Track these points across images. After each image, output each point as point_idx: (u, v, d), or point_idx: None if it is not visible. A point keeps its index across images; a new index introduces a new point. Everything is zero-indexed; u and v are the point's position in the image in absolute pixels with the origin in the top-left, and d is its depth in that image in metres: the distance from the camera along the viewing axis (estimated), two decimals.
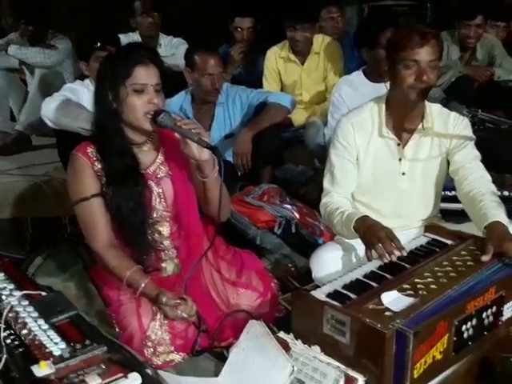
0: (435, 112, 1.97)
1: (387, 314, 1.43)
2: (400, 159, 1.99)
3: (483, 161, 1.99)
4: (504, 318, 1.63)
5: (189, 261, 1.91)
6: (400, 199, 2.01)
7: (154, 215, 1.87)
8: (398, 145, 1.98)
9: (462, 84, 3.43)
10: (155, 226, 1.88)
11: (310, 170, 3.22)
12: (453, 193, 2.39)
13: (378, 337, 1.35)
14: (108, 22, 4.23)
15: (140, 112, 1.74)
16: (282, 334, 1.55)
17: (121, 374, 1.34)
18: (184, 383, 1.65)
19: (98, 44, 2.52)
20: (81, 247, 2.13)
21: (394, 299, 1.48)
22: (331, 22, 3.71)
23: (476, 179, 1.91)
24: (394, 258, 1.70)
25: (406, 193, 2.00)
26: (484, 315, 1.55)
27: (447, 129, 1.98)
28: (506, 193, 2.49)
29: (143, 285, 1.73)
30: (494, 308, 1.57)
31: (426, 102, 1.97)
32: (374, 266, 1.72)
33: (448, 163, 2.02)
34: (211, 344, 1.81)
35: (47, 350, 1.44)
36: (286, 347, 1.51)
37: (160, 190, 1.87)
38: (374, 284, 1.61)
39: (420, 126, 1.96)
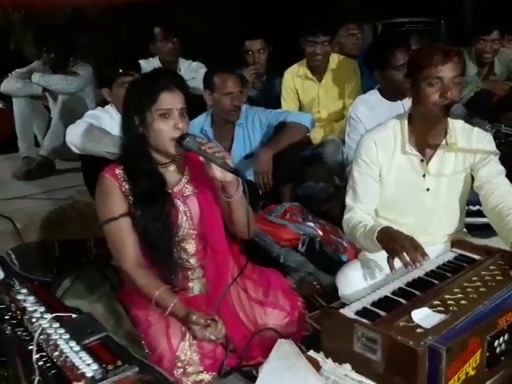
0: (458, 128, 1.98)
1: (418, 330, 1.42)
2: (424, 175, 1.99)
3: (508, 175, 1.98)
4: None
5: (215, 280, 1.93)
6: (425, 215, 2.01)
7: (180, 233, 1.89)
8: (422, 161, 1.98)
9: (481, 99, 3.42)
10: (181, 243, 1.90)
11: (330, 187, 3.23)
12: (477, 207, 2.38)
13: (411, 354, 1.34)
14: (128, 48, 4.32)
15: (166, 137, 1.78)
16: (312, 353, 1.55)
17: None
18: None
19: (120, 70, 2.57)
20: (107, 269, 2.15)
21: (424, 316, 1.47)
22: (351, 38, 3.76)
23: (502, 194, 1.90)
24: (419, 266, 1.69)
25: (431, 209, 2.00)
26: None
27: (471, 144, 1.98)
28: None
29: (172, 304, 1.74)
30: None
31: (449, 118, 1.98)
32: (402, 282, 1.71)
33: (472, 178, 2.02)
34: (239, 363, 1.81)
35: (79, 372, 1.45)
36: (316, 366, 1.50)
37: (186, 209, 1.90)
38: (403, 301, 1.60)
39: (444, 142, 1.97)
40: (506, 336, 1.50)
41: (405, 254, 1.70)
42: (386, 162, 1.99)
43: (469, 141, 1.98)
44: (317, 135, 3.44)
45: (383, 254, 2.05)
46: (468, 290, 1.62)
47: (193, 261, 1.93)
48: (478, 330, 1.43)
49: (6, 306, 1.79)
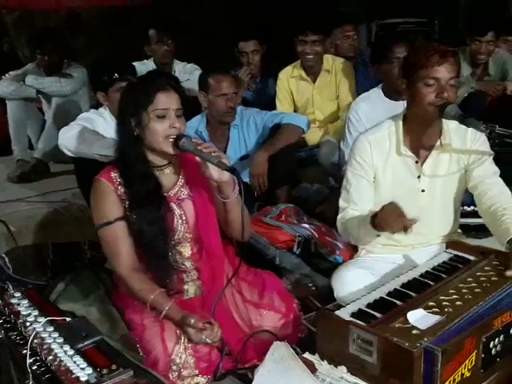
0: (452, 128, 1.98)
1: (414, 332, 1.41)
2: (419, 176, 1.99)
3: (502, 176, 1.99)
4: None
5: (211, 283, 1.92)
6: (420, 216, 2.00)
7: (176, 237, 1.88)
8: (417, 162, 1.98)
9: (475, 100, 3.42)
10: (176, 247, 1.89)
11: (325, 189, 3.22)
12: (471, 208, 2.40)
13: (407, 355, 1.33)
14: (123, 50, 4.31)
15: (161, 136, 1.77)
16: (307, 355, 1.54)
17: None
18: None
19: (116, 75, 2.55)
20: (102, 272, 2.14)
21: (420, 317, 1.47)
22: (347, 40, 3.75)
23: (496, 194, 1.91)
24: (414, 223, 1.71)
25: (426, 209, 1.99)
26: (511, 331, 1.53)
27: (465, 145, 1.98)
28: None
29: (167, 308, 1.74)
30: None
31: (443, 119, 1.98)
32: (397, 284, 1.71)
33: (467, 179, 2.02)
34: (235, 366, 1.81)
35: (74, 376, 1.45)
36: (311, 368, 1.50)
37: (182, 212, 1.89)
38: (399, 302, 1.60)
39: (438, 143, 1.97)
40: (502, 337, 1.50)
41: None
42: (380, 164, 1.98)
43: (463, 141, 1.98)
44: (312, 136, 3.44)
45: (379, 256, 2.07)
46: (463, 291, 1.61)
47: (188, 264, 1.93)
48: (473, 332, 1.42)
49: (0, 310, 1.78)
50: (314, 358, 1.53)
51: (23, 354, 1.56)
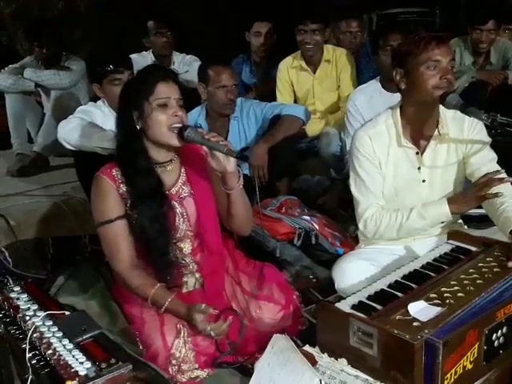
0: (449, 117, 1.98)
1: (415, 324, 1.40)
2: (419, 167, 1.98)
3: (504, 165, 1.97)
4: None
5: (211, 277, 1.92)
6: None
7: (177, 234, 1.87)
8: (417, 153, 1.97)
9: (476, 89, 3.40)
10: (177, 243, 1.88)
11: (326, 180, 3.21)
12: None
13: (407, 348, 1.32)
14: (120, 42, 4.29)
15: (165, 125, 1.76)
16: (307, 348, 1.53)
17: None
18: None
19: (111, 67, 2.54)
20: (102, 266, 2.13)
21: (421, 309, 1.45)
22: (349, 36, 3.70)
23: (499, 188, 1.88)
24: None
25: (427, 200, 1.98)
26: None
27: (463, 133, 1.98)
28: None
29: (169, 300, 1.73)
30: None
31: (441, 108, 1.97)
32: (398, 275, 1.70)
33: (465, 167, 2.00)
34: (235, 359, 1.80)
35: (73, 370, 1.44)
36: (312, 361, 1.49)
37: (183, 210, 1.88)
38: (400, 294, 1.58)
39: (436, 133, 1.96)
40: (505, 329, 1.48)
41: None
42: (382, 157, 1.98)
43: (461, 130, 1.98)
44: (312, 127, 3.41)
45: (380, 247, 2.05)
46: (465, 282, 1.60)
47: (188, 259, 1.92)
48: (475, 323, 1.41)
49: None
50: (314, 351, 1.52)
51: (22, 348, 1.55)
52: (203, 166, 1.89)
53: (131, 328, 1.82)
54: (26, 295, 1.82)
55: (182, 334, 1.74)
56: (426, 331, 1.36)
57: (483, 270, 1.66)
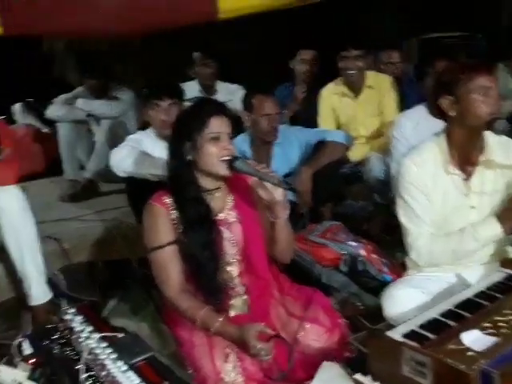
0: (495, 142, 1.96)
1: (469, 353, 1.37)
2: (467, 194, 1.96)
3: None
4: None
5: (258, 302, 1.93)
6: None
7: (225, 259, 1.91)
8: (464, 179, 1.96)
9: None
10: (225, 267, 1.91)
11: (370, 205, 3.19)
12: None
13: (462, 378, 1.30)
14: (167, 73, 4.42)
15: (216, 158, 1.83)
16: (358, 376, 1.52)
17: None
18: None
19: (153, 93, 2.65)
20: (152, 289, 2.17)
21: (475, 338, 1.43)
22: (391, 66, 3.74)
23: None
24: None
25: None
26: None
27: (509, 157, 1.96)
28: None
29: (219, 320, 1.76)
30: None
31: (488, 133, 1.96)
32: (450, 304, 1.67)
33: None
34: None
35: None
36: None
37: (231, 236, 1.92)
38: (452, 323, 1.56)
39: (483, 158, 1.95)
40: None
41: None
42: (430, 184, 1.97)
43: (507, 154, 1.96)
44: (355, 153, 3.41)
45: (430, 275, 2.02)
46: None
47: (236, 281, 1.95)
48: None
49: (55, 325, 1.83)
50: (366, 380, 1.50)
51: (77, 369, 1.59)
52: (249, 193, 1.94)
53: (181, 351, 1.85)
54: (80, 317, 1.87)
55: (231, 359, 1.75)
56: (482, 361, 1.33)
57: None
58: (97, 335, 1.73)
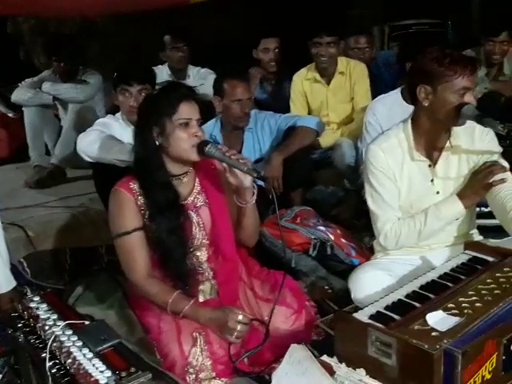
0: (461, 128, 1.98)
1: (433, 334, 1.40)
2: (432, 180, 1.99)
3: None
4: None
5: (226, 285, 1.94)
6: None
7: (194, 243, 1.90)
8: (429, 166, 1.98)
9: (490, 100, 3.39)
10: (193, 252, 1.91)
11: (340, 191, 3.22)
12: (489, 209, 2.37)
13: (426, 358, 1.32)
14: (136, 56, 4.35)
15: (186, 144, 1.82)
16: (325, 358, 1.53)
17: None
18: None
19: (123, 77, 2.58)
20: (119, 276, 2.15)
21: (439, 319, 1.45)
22: (358, 52, 3.74)
23: (504, 188, 1.89)
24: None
25: None
26: None
27: (473, 143, 1.99)
28: None
29: (191, 303, 1.77)
30: None
31: None
32: (415, 285, 1.70)
33: None
34: (252, 368, 1.81)
35: (93, 379, 1.45)
36: (330, 371, 1.49)
37: (199, 219, 1.92)
38: (417, 304, 1.58)
39: (448, 144, 1.97)
40: None
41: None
42: (396, 170, 1.99)
43: (471, 140, 1.99)
44: (326, 139, 3.42)
45: (396, 257, 2.06)
46: (483, 292, 1.59)
47: (205, 266, 1.95)
48: (493, 333, 1.40)
49: (19, 313, 1.80)
50: (332, 361, 1.52)
51: (42, 357, 1.56)
52: (217, 176, 1.93)
53: (149, 337, 1.83)
54: (45, 305, 1.84)
55: (199, 343, 1.76)
56: (445, 341, 1.36)
57: (501, 280, 1.65)
58: (62, 323, 1.71)
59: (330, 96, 3.51)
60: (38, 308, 1.81)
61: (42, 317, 1.75)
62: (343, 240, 2.47)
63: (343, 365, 1.50)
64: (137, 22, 4.28)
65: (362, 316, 1.53)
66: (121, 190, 1.85)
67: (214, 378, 1.74)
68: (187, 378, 1.71)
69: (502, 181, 1.87)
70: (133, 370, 1.47)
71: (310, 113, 3.54)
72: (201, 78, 3.85)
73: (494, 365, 1.41)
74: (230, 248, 1.95)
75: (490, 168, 1.90)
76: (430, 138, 1.97)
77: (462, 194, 1.95)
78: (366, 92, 3.45)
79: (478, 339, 1.37)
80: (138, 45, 4.62)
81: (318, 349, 1.80)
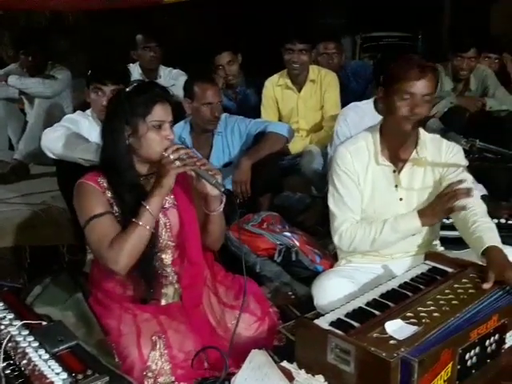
0: (428, 140, 2.02)
1: (392, 342, 1.42)
2: (396, 186, 2.02)
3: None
4: (506, 346, 1.62)
5: (190, 289, 1.91)
6: None
7: (159, 244, 1.88)
8: (394, 171, 2.01)
9: (455, 114, 3.48)
10: (158, 253, 1.89)
11: (307, 198, 3.23)
12: (450, 221, 2.42)
13: (383, 365, 1.34)
14: (108, 54, 4.29)
15: (158, 147, 1.78)
16: (285, 364, 1.54)
17: None
18: None
19: (97, 76, 2.53)
20: (80, 276, 2.12)
21: (397, 328, 1.48)
22: (326, 57, 3.79)
23: (468, 202, 1.91)
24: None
25: None
26: (487, 343, 1.55)
27: (440, 155, 2.02)
28: (502, 220, 2.52)
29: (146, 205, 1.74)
30: (497, 336, 1.57)
31: (421, 131, 2.01)
32: (376, 294, 1.72)
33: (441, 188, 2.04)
34: (212, 373, 1.79)
35: (48, 381, 1.42)
36: (289, 377, 1.50)
37: (166, 221, 1.89)
38: (377, 312, 1.61)
39: (414, 155, 2.00)
40: (477, 349, 1.51)
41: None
42: (361, 173, 2.02)
43: (439, 152, 2.02)
44: (295, 145, 3.45)
45: (359, 265, 2.08)
46: (441, 302, 1.63)
47: (169, 269, 1.93)
48: (450, 343, 1.44)
49: None
50: (291, 367, 1.53)
51: None
52: (187, 179, 1.91)
53: (108, 340, 1.80)
54: (1, 304, 1.80)
55: (158, 347, 1.72)
56: (402, 349, 1.38)
57: (458, 290, 1.70)
58: (19, 323, 1.67)
59: (301, 103, 3.54)
60: None
61: None
62: (308, 246, 2.48)
63: (302, 371, 1.51)
64: (109, 19, 4.23)
65: (323, 323, 1.54)
66: (88, 182, 1.81)
67: (173, 382, 1.71)
68: (145, 382, 1.68)
69: (463, 208, 1.87)
70: (89, 372, 1.45)
71: (280, 119, 3.57)
72: (172, 79, 3.83)
73: (449, 374, 1.45)
74: (197, 251, 1.93)
75: (454, 192, 1.89)
76: (393, 147, 2.00)
77: (422, 212, 1.96)
78: (335, 101, 3.49)
79: (434, 348, 1.40)
80: (109, 42, 4.57)
81: (279, 354, 1.80)
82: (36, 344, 1.56)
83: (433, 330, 1.48)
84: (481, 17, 4.92)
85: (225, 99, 3.83)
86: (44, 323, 1.71)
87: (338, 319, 1.57)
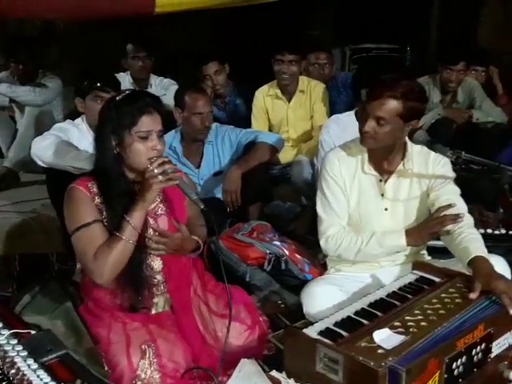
0: (416, 152, 2.05)
1: (379, 351, 1.44)
2: (382, 195, 2.05)
3: (468, 200, 2.05)
4: (493, 355, 1.64)
5: (179, 296, 1.92)
6: None
7: (149, 251, 1.88)
8: (380, 181, 2.04)
9: (442, 126, 3.54)
10: (148, 261, 1.89)
11: (297, 207, 3.26)
12: None
13: (371, 375, 1.35)
14: (98, 63, 4.29)
15: (144, 157, 1.79)
16: (274, 373, 1.55)
17: None
18: None
19: (98, 84, 2.54)
20: (69, 285, 2.11)
21: (385, 337, 1.49)
22: (318, 68, 3.83)
23: (452, 211, 1.93)
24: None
25: (390, 228, 2.04)
26: (473, 352, 1.56)
27: (427, 167, 2.05)
28: (489, 230, 2.56)
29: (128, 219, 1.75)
30: (483, 345, 1.59)
31: (409, 143, 2.05)
32: (364, 303, 1.74)
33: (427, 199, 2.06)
34: (201, 382, 1.79)
35: None
36: None
37: (157, 227, 1.89)
38: (365, 321, 1.62)
39: (400, 166, 2.03)
40: (464, 358, 1.53)
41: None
42: (348, 179, 2.05)
43: (426, 164, 2.05)
44: (285, 155, 3.48)
45: (347, 274, 2.10)
46: (428, 311, 1.64)
47: (159, 277, 1.92)
48: (436, 352, 1.45)
49: None
50: (281, 376, 1.53)
51: None
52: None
53: (97, 348, 1.80)
54: None
55: (148, 355, 1.72)
56: (390, 359, 1.40)
57: (445, 300, 1.72)
58: (7, 332, 1.66)
59: (291, 113, 3.58)
60: None
61: None
62: (297, 255, 2.50)
63: (292, 380, 1.52)
64: (99, 28, 4.24)
65: (312, 332, 1.55)
66: (78, 187, 1.81)
67: None
68: None
69: (448, 233, 1.91)
70: (78, 382, 1.45)
71: (270, 128, 3.60)
72: (163, 88, 3.83)
73: (437, 383, 1.46)
74: (185, 258, 1.94)
75: (442, 218, 1.92)
76: (379, 158, 2.03)
77: (408, 232, 1.99)
78: (324, 111, 3.54)
79: (421, 357, 1.42)
80: (99, 51, 4.57)
81: (268, 364, 1.81)
82: (25, 353, 1.55)
83: (420, 340, 1.49)
84: (468, 29, 5.00)
85: (214, 109, 3.86)
86: (33, 332, 1.70)
87: (327, 328, 1.58)
